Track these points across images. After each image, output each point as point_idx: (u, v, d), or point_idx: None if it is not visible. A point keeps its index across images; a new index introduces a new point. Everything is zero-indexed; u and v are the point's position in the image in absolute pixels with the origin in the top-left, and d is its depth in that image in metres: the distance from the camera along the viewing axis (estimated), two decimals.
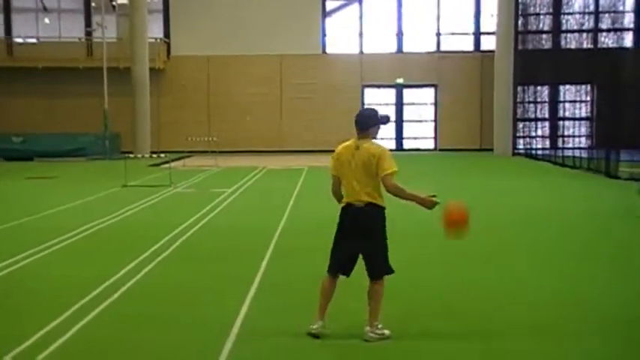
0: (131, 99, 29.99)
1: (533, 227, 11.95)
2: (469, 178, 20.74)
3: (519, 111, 30.63)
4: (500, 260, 9.24)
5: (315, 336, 5.92)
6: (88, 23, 33.31)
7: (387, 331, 5.91)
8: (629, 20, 30.98)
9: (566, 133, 30.46)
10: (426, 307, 6.94)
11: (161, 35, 33.24)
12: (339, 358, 5.59)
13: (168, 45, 33.37)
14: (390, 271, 6.06)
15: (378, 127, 6.15)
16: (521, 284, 7.90)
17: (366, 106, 6.22)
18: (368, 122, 6.08)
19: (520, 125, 30.86)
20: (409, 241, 10.05)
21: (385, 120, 6.21)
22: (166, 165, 22.97)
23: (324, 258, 9.17)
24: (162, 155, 22.71)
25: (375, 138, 6.11)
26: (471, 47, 33.42)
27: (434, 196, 5.94)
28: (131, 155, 24.10)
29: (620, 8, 27.61)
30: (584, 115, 31.52)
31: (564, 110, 31.10)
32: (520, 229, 11.78)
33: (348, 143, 6.11)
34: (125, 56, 30.50)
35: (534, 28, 30.51)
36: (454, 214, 5.89)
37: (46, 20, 33.93)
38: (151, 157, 23.66)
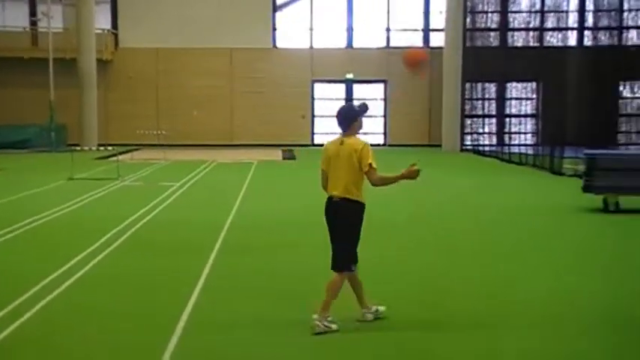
0: (78, 90, 29.49)
1: (480, 221, 12.16)
2: (422, 173, 20.90)
3: (467, 107, 31.05)
4: (446, 253, 9.38)
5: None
6: (33, 12, 32.63)
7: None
8: (573, 20, 31.68)
9: (513, 129, 31.05)
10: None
11: (109, 26, 32.73)
12: (291, 350, 5.61)
13: (116, 36, 32.90)
14: (349, 269, 6.15)
15: (359, 120, 6.24)
16: (470, 276, 8.04)
17: (345, 104, 6.37)
18: (347, 119, 6.19)
19: (468, 122, 31.30)
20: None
21: (364, 108, 6.31)
22: (114, 158, 22.68)
23: (273, 253, 9.26)
24: (110, 148, 22.40)
25: (358, 132, 6.24)
26: (420, 43, 33.69)
27: (414, 164, 6.17)
28: (78, 148, 23.67)
29: (565, 8, 28.20)
30: (530, 112, 32.19)
31: (511, 107, 31.71)
32: (467, 223, 11.97)
33: (334, 139, 6.25)
34: (72, 47, 29.95)
35: (482, 25, 30.95)
36: (412, 56, 6.43)
37: None
38: (98, 149, 23.30)
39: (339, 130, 6.22)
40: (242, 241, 10.05)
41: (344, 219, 6.15)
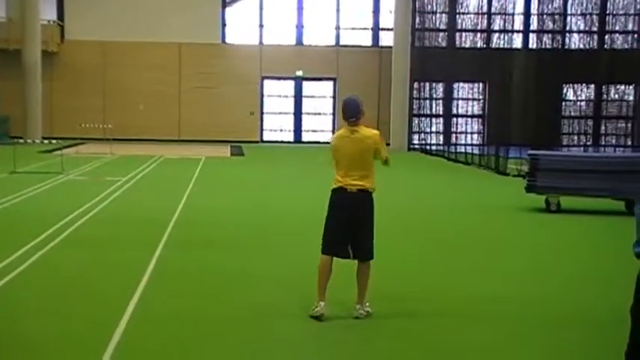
0: (21, 82, 28.85)
1: (419, 219, 12.31)
2: None
3: (415, 107, 31.35)
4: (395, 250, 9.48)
5: (318, 318, 6.09)
6: None
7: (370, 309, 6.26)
8: (519, 23, 32.25)
9: (459, 129, 31.46)
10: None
11: (54, 17, 32.09)
12: (240, 339, 5.62)
13: (62, 28, 32.28)
14: (372, 256, 6.41)
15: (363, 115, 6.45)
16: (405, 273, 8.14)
17: (351, 95, 6.38)
18: (359, 108, 6.40)
19: (416, 121, 31.60)
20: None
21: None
22: (58, 152, 22.26)
23: (219, 249, 9.24)
24: (54, 142, 21.97)
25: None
26: (369, 42, 33.89)
27: None
28: (21, 140, 23.14)
29: (511, 11, 28.64)
30: (476, 112, 32.68)
31: (458, 107, 32.15)
32: (413, 221, 12.10)
33: (341, 132, 6.39)
34: (16, 38, 29.26)
35: (431, 26, 31.27)
36: None
37: None
38: (42, 143, 22.84)
39: (343, 121, 6.43)
40: (188, 237, 10.00)
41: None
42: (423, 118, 31.70)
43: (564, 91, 32.34)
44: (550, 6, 29.55)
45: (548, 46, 30.62)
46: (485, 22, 31.28)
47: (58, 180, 16.43)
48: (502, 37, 29.99)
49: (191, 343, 5.61)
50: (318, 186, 16.98)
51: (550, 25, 29.97)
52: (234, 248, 9.40)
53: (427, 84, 31.49)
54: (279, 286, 7.37)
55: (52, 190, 14.94)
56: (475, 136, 31.99)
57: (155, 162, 22.14)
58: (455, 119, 31.73)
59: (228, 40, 33.38)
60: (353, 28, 33.85)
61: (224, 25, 33.21)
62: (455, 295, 7.27)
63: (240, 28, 33.55)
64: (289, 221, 11.78)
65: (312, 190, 15.96)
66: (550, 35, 29.86)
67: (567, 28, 30.73)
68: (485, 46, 31.37)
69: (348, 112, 6.35)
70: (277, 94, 33.86)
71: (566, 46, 30.70)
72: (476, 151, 25.49)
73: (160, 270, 7.96)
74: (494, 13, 30.59)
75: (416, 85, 31.34)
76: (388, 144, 30.89)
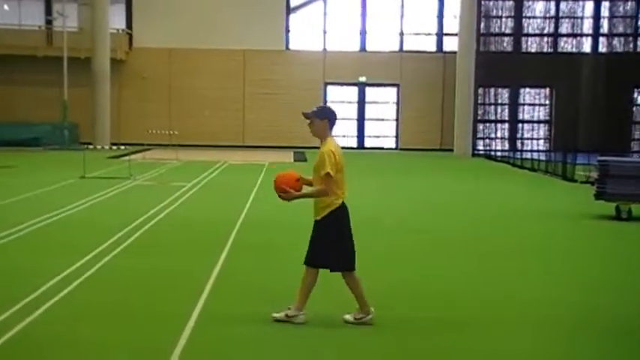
0: (91, 89, 29.59)
1: (492, 227, 12.11)
2: (430, 177, 20.93)
3: (480, 112, 30.97)
4: (453, 257, 9.35)
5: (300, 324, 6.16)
6: (48, 11, 32.79)
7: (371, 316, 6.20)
8: (588, 26, 31.56)
9: (525, 135, 30.95)
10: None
11: (123, 26, 32.84)
12: (301, 346, 5.61)
13: (130, 36, 33.01)
14: None
15: None
16: (474, 280, 8.01)
17: (326, 104, 6.31)
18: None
19: (480, 126, 31.21)
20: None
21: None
22: (126, 157, 22.77)
23: (281, 253, 9.26)
24: (122, 147, 22.45)
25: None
26: (433, 48, 33.65)
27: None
28: (90, 146, 23.74)
29: (580, 14, 28.08)
30: (542, 118, 32.09)
31: (524, 113, 31.62)
32: (478, 228, 11.92)
33: (336, 145, 6.21)
34: (86, 46, 30.05)
35: (496, 30, 30.87)
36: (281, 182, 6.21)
37: (5, 7, 33.29)
38: (110, 148, 23.37)
39: (325, 133, 6.27)
40: (252, 241, 10.06)
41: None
42: (487, 124, 31.27)
43: (635, 95, 31.51)
44: (621, 8, 28.83)
45: (618, 50, 29.89)
46: (552, 25, 30.72)
47: (125, 185, 16.75)
48: (570, 41, 29.43)
49: (255, 348, 5.63)
50: (379, 191, 16.99)
51: (621, 29, 29.25)
52: (298, 252, 9.40)
53: (492, 89, 31.07)
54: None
55: (120, 195, 15.24)
56: (541, 141, 31.40)
57: (219, 168, 22.39)
58: (520, 125, 31.22)
59: (292, 46, 33.58)
60: (417, 34, 33.66)
61: (288, 31, 33.44)
62: (521, 300, 7.12)
63: (304, 35, 33.72)
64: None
65: (373, 196, 15.90)
66: (621, 38, 29.12)
67: (639, 31, 29.93)
68: (552, 50, 30.83)
69: (335, 122, 6.26)
70: (340, 100, 33.87)
71: (638, 50, 29.91)
72: (542, 157, 24.96)
73: (224, 274, 8.03)
74: (562, 17, 30.05)
75: (480, 90, 30.94)
76: (451, 150, 30.72)
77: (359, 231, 10.07)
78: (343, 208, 6.19)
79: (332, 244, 6.15)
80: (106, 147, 28.14)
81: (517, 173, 23.22)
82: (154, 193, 15.28)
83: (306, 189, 6.28)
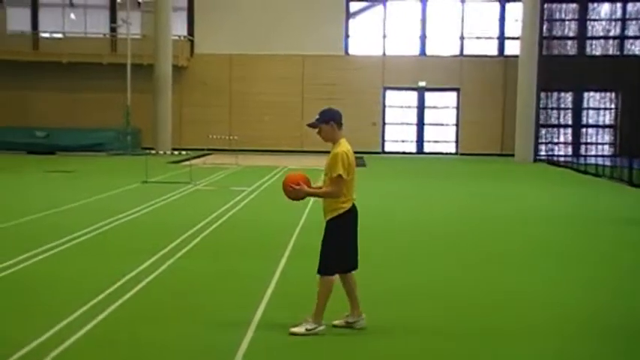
0: (153, 95, 30.08)
1: (557, 234, 11.84)
2: (492, 182, 20.61)
3: (542, 117, 30.38)
4: (519, 263, 9.15)
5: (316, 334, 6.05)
6: (113, 19, 33.49)
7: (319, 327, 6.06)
8: None
9: (589, 140, 30.23)
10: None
11: (185, 33, 33.33)
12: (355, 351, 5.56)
13: (192, 43, 33.47)
14: None
15: None
16: (535, 288, 7.82)
17: (325, 107, 6.32)
18: None
19: (542, 131, 30.61)
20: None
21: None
22: (187, 162, 23.07)
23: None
24: (184, 152, 22.73)
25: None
26: (494, 52, 33.19)
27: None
28: (152, 151, 24.08)
29: None
30: (607, 122, 31.31)
31: (587, 117, 30.89)
32: (543, 234, 11.67)
33: (349, 147, 6.18)
34: (149, 53, 30.59)
35: (559, 33, 30.27)
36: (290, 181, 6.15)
37: (72, 16, 34.13)
38: (172, 154, 23.64)
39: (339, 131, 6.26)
40: (313, 244, 10.02)
41: None
42: (549, 129, 30.65)
43: None
44: None
45: None
46: (618, 28, 29.98)
47: (186, 190, 16.94)
48: (637, 43, 28.66)
49: (315, 354, 5.59)
50: (442, 198, 16.79)
51: None
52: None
53: (555, 93, 30.45)
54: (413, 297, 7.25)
55: (181, 199, 15.42)
56: (606, 146, 30.63)
57: (279, 172, 22.47)
58: (584, 129, 30.51)
59: (351, 51, 33.55)
60: (477, 37, 33.26)
61: (347, 36, 33.42)
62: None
63: (363, 40, 33.64)
64: (415, 231, 11.61)
65: (435, 202, 15.73)
66: None
67: None
68: (618, 53, 30.08)
69: (341, 120, 6.25)
70: (399, 105, 33.69)
71: None
72: (607, 162, 24.32)
73: (285, 278, 8.04)
74: (629, 19, 29.30)
75: (542, 94, 30.36)
76: (512, 155, 30.24)
77: (429, 238, 9.93)
78: (352, 211, 6.14)
79: (340, 247, 6.09)
80: (168, 152, 28.54)
81: (581, 179, 22.68)
82: (215, 198, 15.42)
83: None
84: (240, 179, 19.88)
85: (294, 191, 6.10)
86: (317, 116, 6.22)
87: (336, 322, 6.22)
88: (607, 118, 31.50)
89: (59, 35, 33.89)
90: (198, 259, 9.10)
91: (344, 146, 6.07)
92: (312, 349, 5.74)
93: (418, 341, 5.99)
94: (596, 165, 24.00)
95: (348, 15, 33.42)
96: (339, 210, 6.04)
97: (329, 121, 6.14)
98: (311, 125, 6.20)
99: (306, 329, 5.99)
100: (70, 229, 10.90)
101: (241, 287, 7.69)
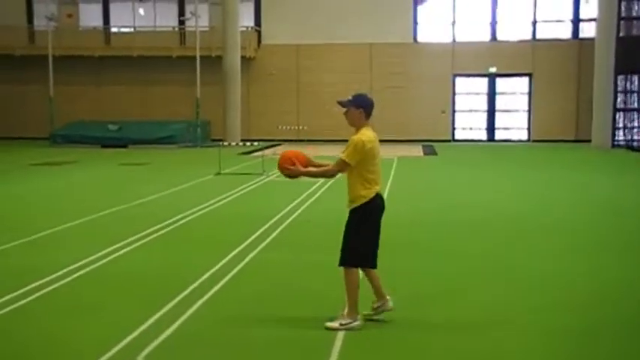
0: (221, 87, 30.20)
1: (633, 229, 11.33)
2: (577, 171, 19.90)
3: (620, 100, 29.30)
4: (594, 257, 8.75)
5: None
6: (181, 12, 33.77)
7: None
8: None
9: None
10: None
11: (252, 24, 33.37)
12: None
13: (259, 33, 33.49)
14: None
15: None
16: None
17: (361, 92, 6.17)
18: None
19: (620, 115, 29.53)
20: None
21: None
22: (257, 153, 23.06)
23: (418, 251, 8.94)
24: (255, 144, 22.65)
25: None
26: (568, 35, 32.21)
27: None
28: (222, 143, 24.15)
29: None
30: None
31: None
32: (623, 230, 11.18)
33: (371, 135, 5.98)
34: (217, 45, 30.72)
35: (638, 13, 29.12)
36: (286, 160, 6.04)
37: (141, 11, 34.53)
38: (244, 145, 23.60)
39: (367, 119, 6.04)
40: (389, 239, 9.79)
41: None
42: (628, 113, 29.55)
43: None
44: None
45: None
46: None
47: (260, 181, 16.90)
48: None
49: (408, 348, 5.38)
50: (517, 187, 16.30)
51: None
52: (437, 250, 9.07)
53: (634, 77, 29.30)
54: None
55: (256, 190, 15.37)
56: None
57: None
58: None
59: (419, 38, 33.03)
60: (550, 21, 32.31)
61: (416, 23, 32.90)
62: None
63: (432, 26, 33.08)
64: (493, 224, 11.25)
65: (511, 192, 15.28)
66: None
67: None
68: None
69: (372, 111, 5.99)
70: (469, 92, 33.04)
71: None
72: None
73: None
74: None
75: (620, 77, 29.27)
76: (590, 140, 29.31)
77: (513, 228, 9.51)
78: (376, 202, 5.95)
79: (362, 239, 5.92)
80: (237, 143, 28.65)
81: None
82: (288, 190, 15.27)
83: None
84: None
85: (289, 171, 6.06)
86: (350, 97, 6.05)
87: (365, 313, 6.05)
88: None
89: (130, 30, 34.35)
90: (280, 253, 8.97)
91: (365, 134, 5.93)
92: (410, 345, 5.51)
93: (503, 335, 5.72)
94: None
95: (417, 1, 32.87)
96: (361, 199, 5.93)
97: (359, 106, 5.99)
98: (341, 103, 6.03)
99: (340, 324, 5.85)
100: (150, 222, 10.93)
101: (327, 281, 7.49)
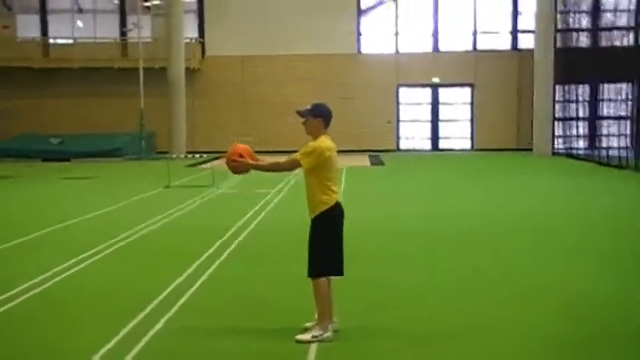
0: (165, 99, 29.90)
1: (591, 232, 11.61)
2: (515, 177, 20.33)
3: (559, 110, 30.10)
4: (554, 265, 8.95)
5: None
6: (123, 23, 33.34)
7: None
8: None
9: (606, 132, 29.84)
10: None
11: (196, 35, 33.16)
12: None
13: (203, 45, 33.29)
14: None
15: None
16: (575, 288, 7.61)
17: (319, 102, 6.23)
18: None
19: (559, 125, 30.30)
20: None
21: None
22: (205, 165, 22.90)
23: (373, 260, 8.97)
24: (205, 155, 22.39)
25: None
26: (508, 46, 32.94)
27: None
28: (171, 155, 23.90)
29: None
30: (624, 114, 30.92)
31: (604, 109, 30.49)
32: (573, 233, 11.45)
33: (329, 144, 6.00)
34: (160, 56, 30.40)
35: (575, 26, 29.97)
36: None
37: (79, 23, 33.90)
38: (187, 157, 23.43)
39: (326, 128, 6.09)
40: (354, 251, 9.82)
41: None
42: (567, 122, 30.33)
43: None
44: None
45: None
46: (632, 19, 29.64)
47: (210, 193, 16.76)
48: None
49: None
50: (466, 194, 16.55)
51: None
52: (390, 259, 9.14)
53: (571, 86, 30.13)
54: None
55: (209, 202, 15.24)
56: (626, 138, 30.28)
57: (299, 174, 22.23)
58: (603, 121, 30.15)
59: (363, 49, 33.32)
60: (490, 32, 33.00)
61: (359, 34, 33.18)
62: None
63: (375, 37, 33.40)
64: (447, 232, 11.39)
65: (461, 199, 15.50)
66: None
67: None
68: (633, 44, 29.74)
69: (330, 121, 6.03)
70: (413, 102, 33.46)
71: None
72: (630, 154, 24.00)
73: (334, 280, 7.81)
74: None
75: (558, 87, 30.06)
76: (527, 149, 29.96)
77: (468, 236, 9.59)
78: (338, 207, 5.95)
79: (327, 246, 5.89)
80: (182, 156, 28.44)
81: (605, 171, 22.39)
82: (241, 201, 15.23)
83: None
84: (262, 181, 19.58)
85: (237, 165, 6.00)
86: (309, 107, 6.06)
87: (301, 337, 5.90)
88: (623, 109, 31.12)
89: (69, 41, 33.74)
90: (239, 266, 8.89)
91: (325, 142, 5.96)
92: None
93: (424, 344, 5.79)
94: (620, 157, 23.69)
95: (360, 13, 33.18)
96: (322, 206, 5.89)
97: (318, 115, 6.02)
98: (300, 113, 6.03)
99: (312, 336, 5.81)
100: (104, 237, 10.71)
101: (293, 293, 7.47)
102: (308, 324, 6.06)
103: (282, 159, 6.14)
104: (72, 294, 7.55)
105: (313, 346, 5.70)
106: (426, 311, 6.77)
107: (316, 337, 5.82)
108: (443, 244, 10.30)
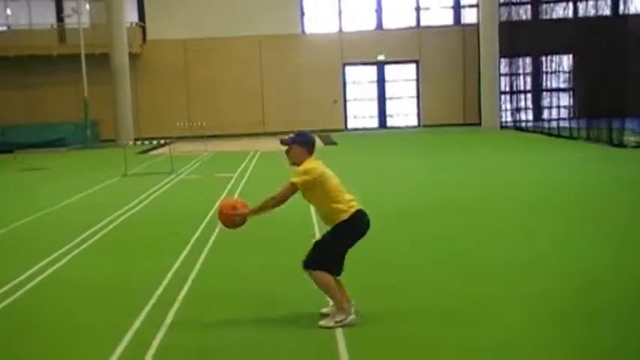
0: (107, 86, 29.14)
1: (552, 203, 11.75)
2: (470, 153, 20.51)
3: (505, 84, 30.51)
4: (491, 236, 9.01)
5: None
6: (59, 9, 32.28)
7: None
8: None
9: (554, 103, 30.34)
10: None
11: (136, 19, 32.34)
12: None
13: (144, 29, 32.51)
14: None
15: None
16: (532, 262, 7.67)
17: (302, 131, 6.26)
18: None
19: (506, 98, 30.72)
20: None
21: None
22: (155, 152, 22.44)
23: (379, 239, 8.82)
24: (146, 142, 21.77)
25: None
26: (451, 21, 33.14)
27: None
28: (127, 143, 23.21)
29: None
30: (565, 86, 31.50)
31: (547, 81, 31.03)
32: (536, 205, 11.57)
33: (317, 162, 5.93)
34: (100, 42, 29.53)
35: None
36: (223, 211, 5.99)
37: (8, 11, 32.64)
38: (135, 144, 22.81)
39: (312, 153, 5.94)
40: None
41: None
42: (514, 95, 30.76)
43: None
44: None
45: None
46: None
47: (171, 180, 16.37)
48: (590, 5, 28.87)
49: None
50: (431, 171, 16.53)
51: None
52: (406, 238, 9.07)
53: (515, 59, 30.56)
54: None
55: (173, 189, 14.88)
56: (574, 109, 30.88)
57: (254, 157, 22.01)
58: (546, 93, 30.69)
59: (307, 29, 33.07)
60: (433, 8, 33.14)
61: (302, 14, 32.91)
62: None
63: (319, 17, 33.18)
64: (432, 209, 11.37)
65: (429, 176, 15.53)
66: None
67: None
68: (573, 16, 30.25)
69: (314, 148, 6.00)
70: (360, 81, 33.44)
71: None
72: (582, 124, 24.44)
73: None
74: None
75: (503, 61, 30.44)
76: (475, 124, 30.30)
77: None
78: (364, 217, 5.87)
79: (339, 251, 5.81)
80: (130, 143, 27.73)
81: (555, 142, 22.79)
82: (205, 187, 14.94)
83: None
84: (219, 166, 19.38)
85: (236, 219, 5.96)
86: (292, 135, 5.99)
87: (323, 311, 5.90)
88: (562, 79, 31.68)
89: (3, 28, 32.52)
90: (229, 252, 8.65)
91: (310, 162, 5.88)
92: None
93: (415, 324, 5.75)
94: (570, 128, 24.07)
95: None
96: (343, 215, 5.79)
97: (302, 144, 5.92)
98: (283, 142, 5.96)
99: (335, 322, 5.72)
100: (75, 230, 10.25)
101: (281, 279, 7.29)
102: (324, 310, 5.93)
103: (270, 194, 5.92)
104: (63, 291, 7.21)
105: (339, 331, 5.55)
106: (422, 290, 6.68)
107: (339, 322, 5.69)
108: (420, 219, 10.26)
